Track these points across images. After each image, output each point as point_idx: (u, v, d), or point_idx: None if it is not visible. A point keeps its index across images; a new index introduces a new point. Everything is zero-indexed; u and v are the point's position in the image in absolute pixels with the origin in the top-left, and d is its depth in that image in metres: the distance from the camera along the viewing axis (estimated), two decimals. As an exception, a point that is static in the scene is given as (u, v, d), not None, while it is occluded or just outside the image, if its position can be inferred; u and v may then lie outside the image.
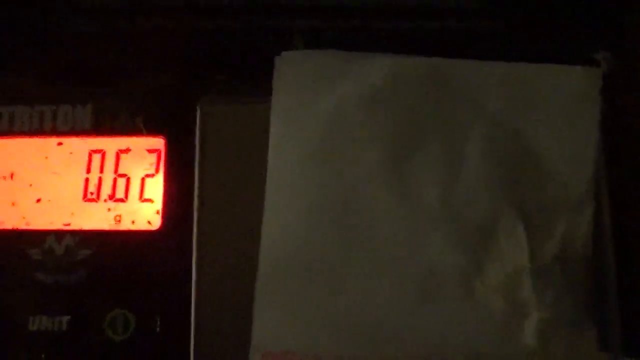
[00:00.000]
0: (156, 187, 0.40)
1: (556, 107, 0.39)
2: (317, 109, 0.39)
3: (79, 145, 0.40)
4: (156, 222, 0.39)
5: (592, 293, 0.37)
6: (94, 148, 0.40)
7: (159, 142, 0.40)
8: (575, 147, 0.38)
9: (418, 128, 0.39)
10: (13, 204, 0.40)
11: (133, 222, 0.39)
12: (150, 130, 0.40)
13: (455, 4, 0.42)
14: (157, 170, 0.40)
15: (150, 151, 0.40)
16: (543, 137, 0.38)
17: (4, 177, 0.40)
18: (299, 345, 0.35)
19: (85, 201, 0.40)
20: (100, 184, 0.40)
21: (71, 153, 0.40)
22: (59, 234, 0.39)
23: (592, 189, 0.38)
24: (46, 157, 0.40)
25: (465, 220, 0.37)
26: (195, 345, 0.37)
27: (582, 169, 0.38)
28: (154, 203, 0.39)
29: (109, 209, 0.40)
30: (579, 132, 0.38)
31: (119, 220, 0.39)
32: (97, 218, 0.39)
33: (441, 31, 0.42)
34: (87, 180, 0.40)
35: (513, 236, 0.37)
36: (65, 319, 0.38)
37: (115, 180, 0.40)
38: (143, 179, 0.40)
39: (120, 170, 0.40)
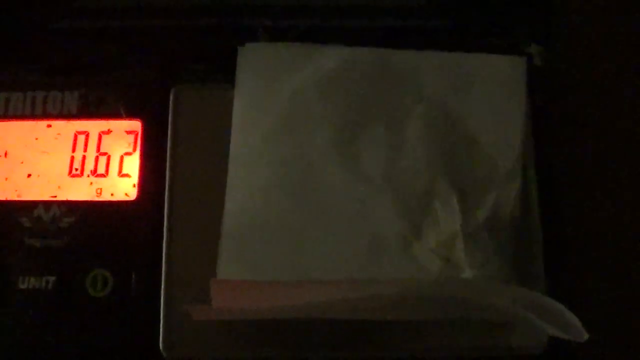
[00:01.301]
0: (133, 164, 0.42)
1: (487, 91, 0.42)
2: (276, 93, 0.42)
3: (65, 127, 0.43)
4: (133, 194, 0.42)
5: (519, 254, 0.40)
6: (79, 130, 0.43)
7: (136, 125, 0.43)
8: (503, 126, 0.41)
9: (366, 110, 0.42)
10: (6, 179, 0.42)
11: (112, 194, 0.42)
12: (129, 114, 0.43)
13: (404, 3, 0.45)
14: (134, 149, 0.43)
15: (128, 132, 0.43)
16: (476, 118, 0.42)
17: None
18: None
19: (70, 176, 0.42)
20: (84, 162, 0.42)
21: (59, 134, 0.43)
22: (46, 204, 0.41)
23: (520, 164, 0.41)
24: (36, 138, 0.43)
25: (407, 191, 0.41)
26: (165, 299, 0.39)
27: (510, 146, 0.41)
28: (131, 178, 0.42)
29: (91, 183, 0.42)
30: (507, 113, 0.42)
31: (100, 193, 0.42)
32: (80, 191, 0.42)
33: (391, 28, 0.45)
34: (72, 158, 0.42)
35: (448, 205, 0.40)
36: (51, 279, 0.40)
37: (97, 158, 0.42)
38: (122, 157, 0.43)
39: (102, 149, 0.43)
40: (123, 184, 0.42)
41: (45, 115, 0.43)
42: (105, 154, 0.43)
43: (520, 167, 0.41)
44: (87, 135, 0.43)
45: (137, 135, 0.43)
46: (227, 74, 0.43)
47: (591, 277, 0.42)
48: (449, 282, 0.37)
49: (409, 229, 0.40)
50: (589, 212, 0.43)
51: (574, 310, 0.35)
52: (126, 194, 0.42)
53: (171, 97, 0.43)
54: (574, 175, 0.44)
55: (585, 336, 0.34)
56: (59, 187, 0.42)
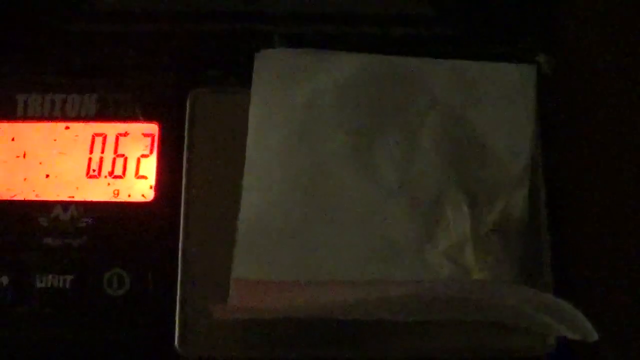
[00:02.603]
0: (150, 166, 0.43)
1: (497, 99, 0.43)
2: (292, 98, 0.43)
3: (84, 130, 0.44)
4: (149, 195, 0.43)
5: (527, 259, 0.41)
6: (97, 132, 0.44)
7: (153, 128, 0.44)
8: (513, 133, 0.42)
9: (380, 116, 0.43)
10: (25, 179, 0.43)
11: (129, 195, 0.43)
12: (146, 117, 0.44)
13: (415, 13, 0.46)
14: (151, 152, 0.43)
15: (145, 135, 0.44)
16: (486, 125, 0.43)
17: (18, 156, 0.43)
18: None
19: (88, 177, 0.43)
20: (102, 163, 0.43)
21: (77, 136, 0.44)
22: (64, 205, 0.42)
23: (529, 170, 0.42)
24: (55, 139, 0.44)
25: (419, 196, 0.41)
26: (180, 298, 0.40)
27: (519, 153, 0.42)
28: (147, 179, 0.43)
29: (109, 184, 0.43)
30: (517, 120, 0.43)
31: (117, 194, 0.43)
32: (98, 192, 0.43)
33: (404, 36, 0.46)
34: (90, 159, 0.43)
35: (459, 210, 0.41)
36: (69, 277, 0.41)
37: (114, 160, 0.43)
38: (139, 159, 0.43)
39: (119, 151, 0.43)
40: (140, 185, 0.43)
41: (64, 117, 0.44)
42: (122, 155, 0.44)
43: (529, 173, 0.42)
44: (105, 137, 0.44)
45: (154, 137, 0.44)
46: (243, 79, 0.43)
47: (598, 280, 0.43)
48: (462, 283, 0.37)
49: (421, 234, 0.41)
50: (596, 216, 0.44)
51: (580, 311, 0.36)
52: (143, 195, 0.43)
53: (188, 101, 0.44)
54: (581, 181, 0.44)
55: (596, 336, 0.35)
56: (76, 187, 0.43)
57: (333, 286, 0.36)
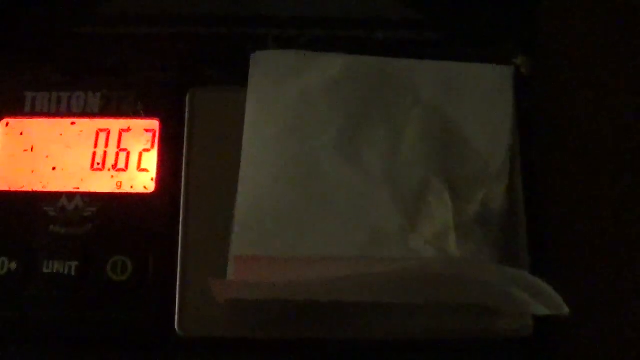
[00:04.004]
0: (151, 160, 0.45)
1: (477, 97, 0.45)
2: (285, 96, 0.45)
3: (88, 125, 0.46)
4: (151, 187, 0.44)
5: (506, 246, 0.43)
6: (101, 127, 0.46)
7: (154, 124, 0.46)
8: (492, 129, 0.45)
9: (367, 113, 0.45)
10: (33, 172, 0.45)
11: (132, 187, 0.44)
12: (148, 113, 0.46)
13: (401, 17, 0.48)
14: (152, 146, 0.45)
15: (147, 130, 0.46)
16: (467, 121, 0.45)
17: (26, 150, 0.45)
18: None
19: (92, 170, 0.45)
20: (105, 157, 0.45)
21: (82, 131, 0.46)
22: (70, 195, 0.44)
23: (507, 163, 0.44)
24: (61, 134, 0.46)
25: (404, 186, 0.43)
26: (180, 282, 0.42)
27: (498, 147, 0.44)
28: (149, 172, 0.45)
29: (112, 177, 0.45)
30: (495, 117, 0.45)
31: (120, 186, 0.45)
32: (102, 183, 0.44)
33: (390, 38, 0.48)
34: (94, 153, 0.45)
35: (442, 200, 0.43)
36: (74, 264, 0.42)
37: (117, 154, 0.45)
38: (141, 153, 0.45)
39: (122, 146, 0.45)
40: (142, 177, 0.45)
41: (70, 113, 0.46)
42: (125, 150, 0.46)
43: (507, 166, 0.44)
44: (109, 133, 0.46)
45: (155, 133, 0.46)
46: (239, 78, 0.46)
47: (572, 266, 0.45)
48: (441, 261, 0.40)
49: (405, 222, 0.43)
50: (570, 207, 0.47)
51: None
52: (144, 187, 0.45)
53: (187, 99, 0.46)
54: (557, 173, 0.47)
55: (567, 310, 0.37)
56: (81, 179, 0.45)
57: (328, 261, 0.38)
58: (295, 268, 0.38)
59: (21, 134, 0.46)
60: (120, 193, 0.45)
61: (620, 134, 0.50)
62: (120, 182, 0.45)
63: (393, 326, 0.42)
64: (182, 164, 0.45)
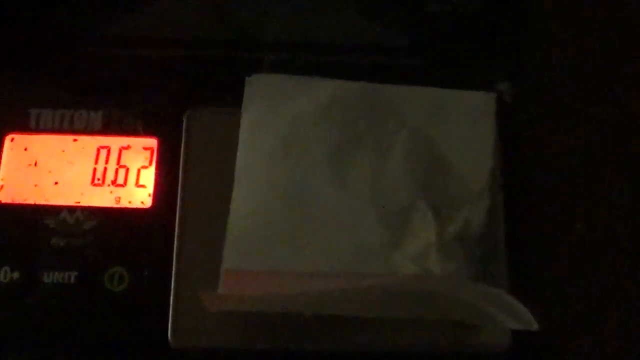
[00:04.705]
0: (149, 176, 0.47)
1: (461, 122, 0.47)
2: (277, 118, 0.47)
3: (90, 142, 0.47)
4: (148, 202, 0.46)
5: (485, 265, 0.44)
6: (102, 145, 0.47)
7: (153, 142, 0.47)
8: (475, 153, 0.46)
9: (355, 135, 0.46)
10: (35, 185, 0.46)
11: (130, 202, 0.46)
12: (147, 132, 0.47)
13: (390, 43, 0.50)
14: (150, 163, 0.47)
15: (145, 148, 0.47)
16: (451, 145, 0.46)
17: (30, 165, 0.47)
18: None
19: (92, 185, 0.46)
20: (105, 173, 0.47)
21: (83, 148, 0.47)
22: (71, 209, 0.46)
23: (488, 186, 0.45)
24: (63, 150, 0.47)
25: (389, 206, 0.45)
26: (174, 294, 0.44)
27: (480, 170, 0.46)
28: (146, 188, 0.46)
29: (111, 192, 0.46)
30: (478, 141, 0.46)
31: (119, 201, 0.46)
32: (101, 198, 0.46)
33: (378, 64, 0.50)
34: (95, 169, 0.47)
35: (424, 220, 0.44)
36: (74, 274, 0.44)
37: (117, 170, 0.47)
38: (139, 170, 0.47)
39: (122, 163, 0.47)
40: (139, 193, 0.47)
41: (72, 130, 0.48)
42: (124, 166, 0.47)
43: (488, 188, 0.46)
44: (109, 150, 0.47)
45: (153, 151, 0.47)
46: (235, 100, 0.47)
47: (549, 283, 0.47)
48: (421, 276, 0.42)
49: (389, 240, 0.44)
50: (548, 228, 0.49)
51: (532, 314, 0.41)
52: (142, 202, 0.46)
53: (185, 119, 0.48)
54: (536, 196, 0.49)
55: (536, 326, 0.39)
56: (82, 194, 0.46)
57: (310, 276, 0.40)
58: (281, 282, 0.40)
59: (25, 149, 0.48)
60: (118, 208, 0.46)
61: (601, 157, 0.52)
62: (119, 197, 0.47)
63: (375, 339, 0.44)
64: (178, 181, 0.46)
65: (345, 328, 0.44)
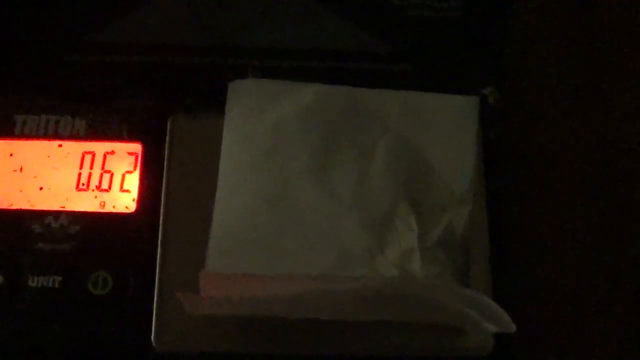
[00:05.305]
0: (133, 181, 0.47)
1: (443, 126, 0.47)
2: (260, 123, 0.47)
3: (74, 148, 0.47)
4: (132, 207, 0.46)
5: (468, 268, 0.44)
6: (87, 150, 0.47)
7: (137, 147, 0.48)
8: (457, 157, 0.46)
9: (338, 139, 0.47)
10: (21, 191, 0.47)
11: (114, 207, 0.46)
12: (131, 138, 0.48)
13: (373, 49, 0.50)
14: (134, 168, 0.47)
15: (130, 154, 0.47)
16: (433, 149, 0.46)
17: (15, 170, 0.47)
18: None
19: (77, 190, 0.47)
20: (90, 178, 0.47)
21: (68, 153, 0.47)
22: (55, 214, 0.46)
23: (471, 190, 0.46)
24: (49, 156, 0.47)
25: (372, 210, 0.45)
26: (157, 298, 0.44)
27: (463, 174, 0.46)
28: (131, 193, 0.47)
29: (96, 197, 0.46)
30: (461, 146, 0.46)
31: (103, 205, 0.46)
32: (86, 203, 0.46)
33: (361, 70, 0.50)
34: (79, 174, 0.47)
35: (407, 224, 0.44)
36: (58, 278, 0.44)
37: (101, 175, 0.47)
38: (123, 175, 0.47)
39: (106, 168, 0.47)
40: (124, 198, 0.47)
41: (57, 136, 0.48)
42: (109, 171, 0.47)
43: (471, 193, 0.46)
44: (94, 155, 0.48)
45: (137, 156, 0.48)
46: (217, 106, 0.47)
47: (531, 287, 0.47)
48: (401, 279, 0.42)
49: (372, 244, 0.44)
50: (530, 233, 0.49)
51: (514, 318, 0.41)
52: (126, 207, 0.47)
53: (168, 125, 0.48)
54: (519, 200, 0.49)
55: (514, 328, 0.39)
56: (67, 199, 0.47)
57: (289, 279, 0.40)
58: (260, 285, 0.40)
59: (11, 155, 0.48)
60: (103, 212, 0.47)
61: (584, 161, 0.53)
62: (104, 202, 0.47)
63: (359, 343, 0.44)
64: (162, 185, 0.47)
65: (328, 332, 0.44)
